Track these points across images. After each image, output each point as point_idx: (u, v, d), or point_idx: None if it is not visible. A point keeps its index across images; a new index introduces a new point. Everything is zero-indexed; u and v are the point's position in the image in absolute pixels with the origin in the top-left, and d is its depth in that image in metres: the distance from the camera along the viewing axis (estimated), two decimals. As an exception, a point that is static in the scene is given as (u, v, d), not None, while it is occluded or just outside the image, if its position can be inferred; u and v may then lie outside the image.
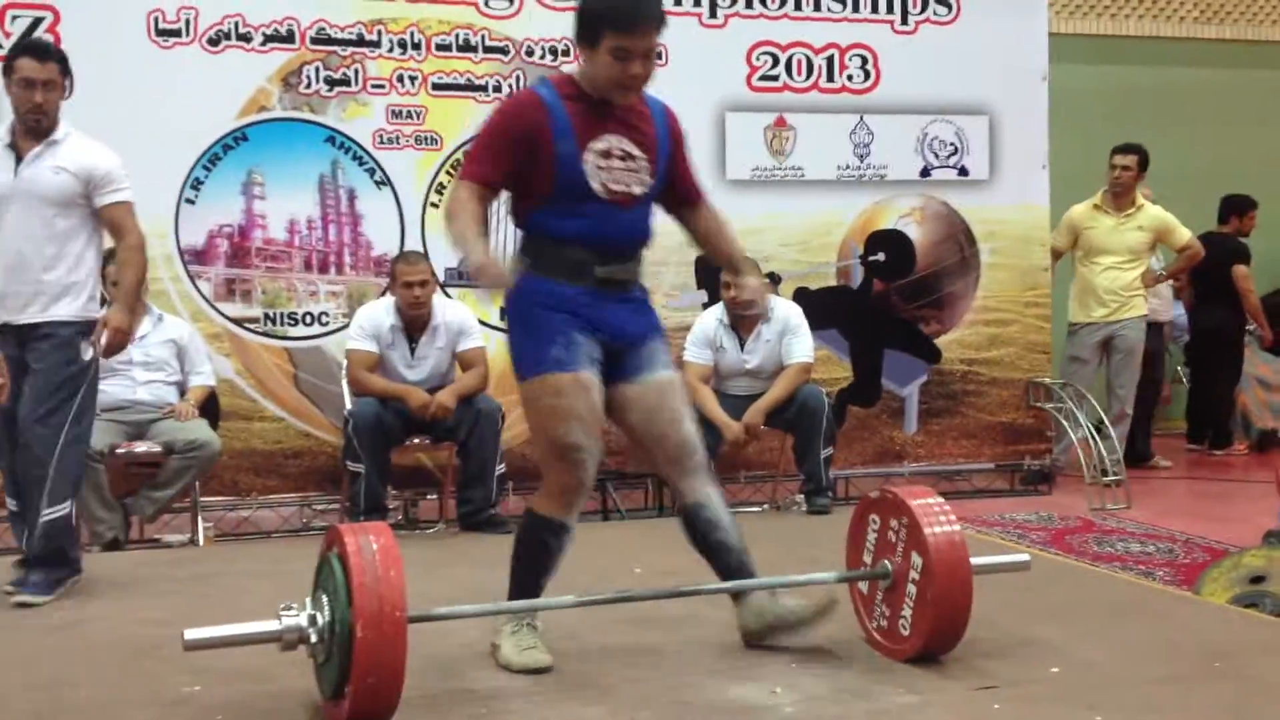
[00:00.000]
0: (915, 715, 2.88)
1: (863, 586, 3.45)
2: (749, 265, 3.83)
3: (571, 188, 3.20)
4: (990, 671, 3.18)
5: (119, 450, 5.33)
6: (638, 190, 3.28)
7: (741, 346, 5.88)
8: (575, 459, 3.19)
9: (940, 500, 3.29)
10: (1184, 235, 7.33)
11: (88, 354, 4.23)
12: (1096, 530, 5.78)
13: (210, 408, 5.71)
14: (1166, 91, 9.51)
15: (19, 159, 4.21)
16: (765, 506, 6.26)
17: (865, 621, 3.42)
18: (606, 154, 3.22)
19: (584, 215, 3.22)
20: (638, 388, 3.34)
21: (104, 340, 4.23)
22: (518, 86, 6.20)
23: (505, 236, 6.23)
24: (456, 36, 6.15)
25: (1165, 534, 5.68)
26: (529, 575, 3.29)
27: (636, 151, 3.27)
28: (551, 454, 3.22)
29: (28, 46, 4.40)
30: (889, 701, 2.97)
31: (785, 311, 5.99)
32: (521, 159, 3.20)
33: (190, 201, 5.88)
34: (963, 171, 6.86)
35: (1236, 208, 8.36)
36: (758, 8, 6.53)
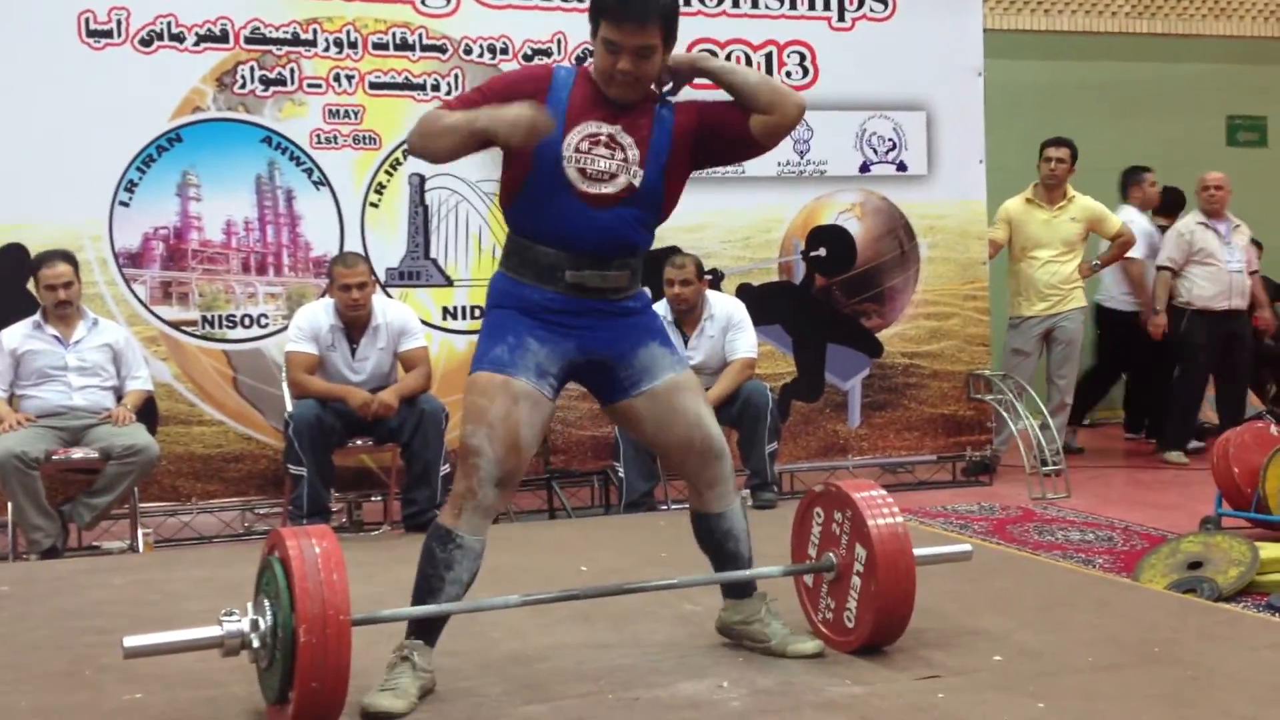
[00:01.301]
0: (861, 706, 2.90)
1: (808, 579, 3.46)
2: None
3: (549, 173, 3.03)
4: (934, 661, 3.21)
5: (55, 457, 5.25)
6: (622, 179, 3.07)
7: (685, 343, 5.89)
8: (470, 463, 3.01)
9: (883, 493, 3.31)
10: (1115, 223, 7.44)
11: None
12: (1037, 519, 5.84)
13: (148, 412, 5.65)
14: (1101, 86, 9.64)
15: None
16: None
17: (811, 614, 3.44)
18: (593, 138, 3.05)
19: (558, 210, 3.05)
20: (642, 400, 3.18)
21: None
22: (456, 85, 6.17)
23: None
24: (393, 35, 6.11)
25: (1105, 522, 5.75)
26: (419, 590, 3.05)
27: (626, 139, 3.08)
28: (459, 453, 3.10)
29: None
30: (835, 693, 2.99)
31: (728, 308, 6.01)
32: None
33: (124, 204, 5.80)
34: (901, 167, 6.91)
35: (1168, 207, 8.48)
36: (696, 5, 6.53)
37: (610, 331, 3.16)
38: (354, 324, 5.54)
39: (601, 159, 3.06)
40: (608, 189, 3.07)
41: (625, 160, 3.08)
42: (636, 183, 3.10)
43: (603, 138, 3.07)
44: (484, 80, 3.19)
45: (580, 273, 3.08)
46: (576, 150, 3.05)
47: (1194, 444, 7.80)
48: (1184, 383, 7.59)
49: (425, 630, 3.07)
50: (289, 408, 5.54)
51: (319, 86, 6.02)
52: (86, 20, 5.73)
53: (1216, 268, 7.38)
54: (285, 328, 5.76)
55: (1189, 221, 7.50)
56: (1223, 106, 10.13)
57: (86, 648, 3.56)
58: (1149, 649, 3.31)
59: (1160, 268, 7.51)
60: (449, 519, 3.05)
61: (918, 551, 3.24)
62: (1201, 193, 7.52)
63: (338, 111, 6.05)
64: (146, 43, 5.80)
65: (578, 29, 6.26)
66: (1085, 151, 7.45)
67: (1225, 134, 10.17)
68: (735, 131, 3.21)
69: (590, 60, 3.14)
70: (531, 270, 3.10)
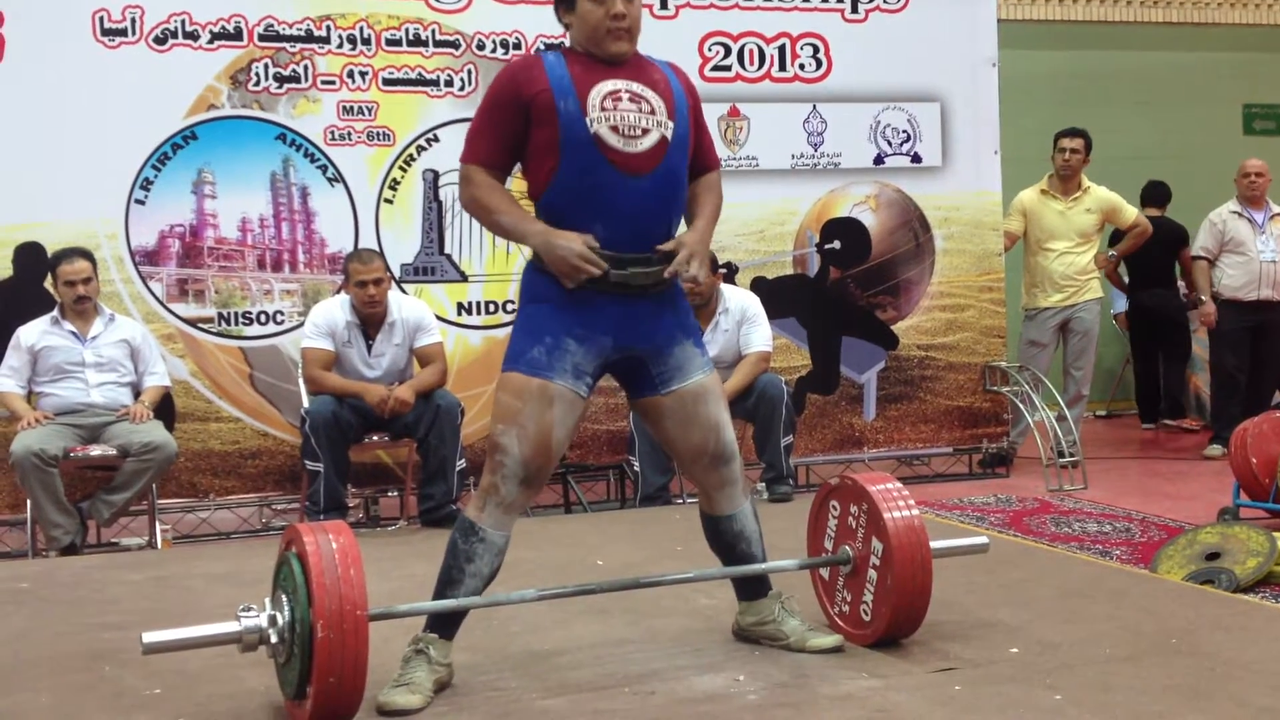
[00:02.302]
0: (877, 698, 2.89)
1: (824, 573, 3.46)
2: (701, 228, 3.23)
3: (580, 146, 2.96)
4: (951, 653, 3.20)
5: (73, 454, 5.27)
6: (655, 133, 3.00)
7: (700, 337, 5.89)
8: (496, 460, 3.01)
9: (899, 485, 3.31)
10: (1131, 214, 7.41)
11: None
12: (1054, 511, 5.83)
13: (165, 409, 5.67)
14: (1115, 75, 9.62)
15: None
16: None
17: (827, 607, 3.44)
18: (614, 96, 2.99)
19: (595, 187, 2.97)
20: (669, 400, 3.15)
21: None
22: (469, 81, 6.18)
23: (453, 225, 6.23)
24: (406, 31, 6.12)
25: (1122, 514, 5.74)
26: (441, 581, 3.05)
27: (649, 93, 3.03)
28: (487, 448, 3.09)
29: None
30: (852, 685, 2.98)
31: (743, 301, 6.01)
32: (521, 126, 3.01)
33: (140, 202, 5.82)
34: (915, 158, 6.90)
35: (1157, 198, 8.46)
36: (709, -2, 6.54)
37: (648, 323, 3.12)
38: (370, 320, 5.55)
39: (629, 113, 3.00)
40: (643, 144, 3.01)
41: (653, 111, 3.04)
42: (669, 135, 3.05)
43: (623, 93, 3.02)
44: (486, 94, 3.12)
45: (624, 271, 3.02)
46: (602, 109, 2.99)
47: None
48: (1213, 373, 7.55)
49: (443, 624, 3.07)
50: (305, 404, 5.56)
51: (333, 83, 6.03)
52: (101, 19, 5.75)
53: (1247, 257, 7.29)
54: (301, 324, 5.78)
55: (1222, 210, 7.42)
56: (1239, 95, 10.09)
57: (105, 643, 3.58)
58: (1166, 640, 3.30)
59: (1195, 257, 7.47)
60: (473, 512, 3.05)
61: (934, 544, 3.23)
62: (1241, 180, 7.41)
63: (351, 108, 6.06)
64: (161, 41, 5.82)
65: (590, 23, 6.28)
66: (1100, 142, 7.43)
67: (1242, 122, 10.13)
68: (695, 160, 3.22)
69: (564, 44, 3.09)
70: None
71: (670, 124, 3.06)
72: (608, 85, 3.01)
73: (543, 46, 6.24)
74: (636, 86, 3.04)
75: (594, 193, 3.00)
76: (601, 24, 3.01)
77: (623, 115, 2.99)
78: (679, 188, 3.13)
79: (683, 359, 3.18)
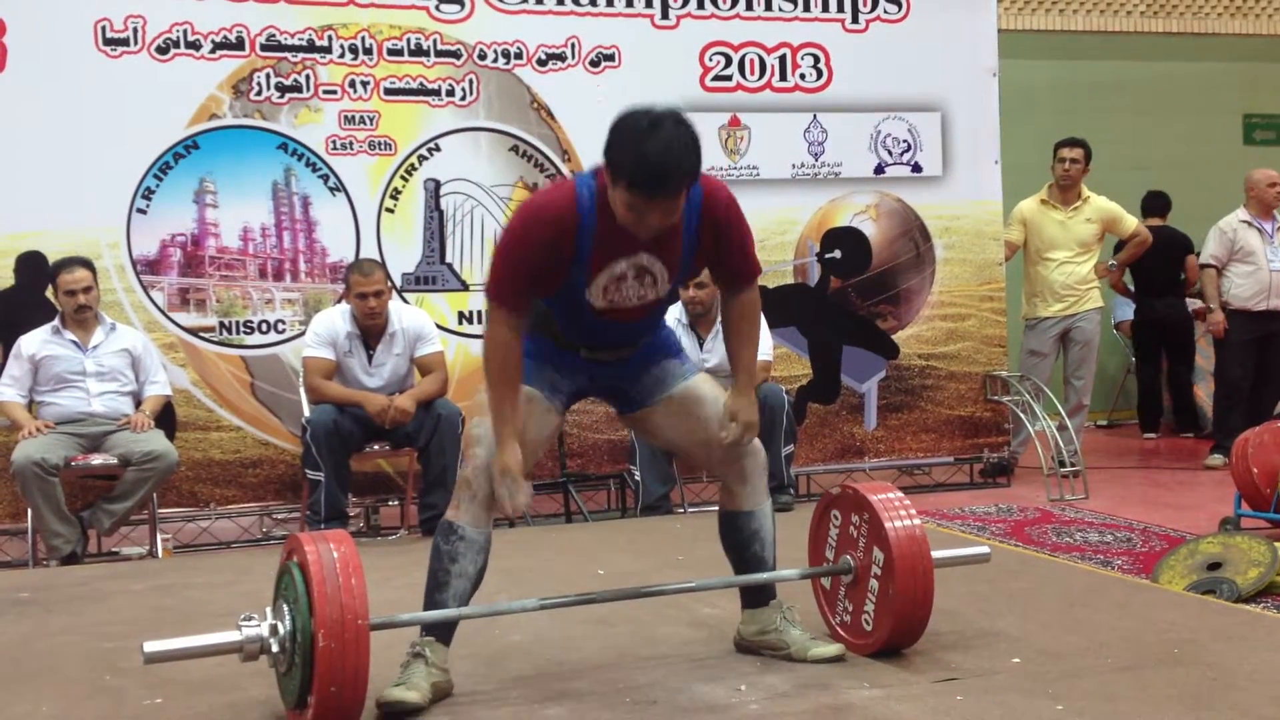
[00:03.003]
0: (879, 708, 2.89)
1: (826, 582, 3.46)
2: (746, 388, 3.26)
3: (574, 303, 3.04)
4: (953, 663, 3.20)
5: (74, 463, 5.27)
6: (650, 297, 3.08)
7: (701, 346, 5.89)
8: (471, 452, 3.08)
9: (900, 495, 3.31)
10: (1131, 223, 7.41)
11: None
12: (1055, 521, 5.83)
13: (166, 418, 5.67)
14: (1116, 85, 9.63)
15: None
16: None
17: (829, 617, 3.44)
18: (621, 279, 3.01)
19: (578, 319, 3.08)
20: (659, 408, 3.23)
21: None
22: (471, 90, 6.18)
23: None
24: (408, 41, 6.13)
25: (1123, 523, 5.73)
26: (429, 586, 3.09)
27: (656, 267, 3.03)
28: (464, 444, 3.13)
29: None
30: (853, 695, 2.98)
31: (743, 310, 6.00)
32: (548, 261, 2.96)
33: (142, 211, 5.83)
34: (916, 168, 6.90)
35: (1158, 207, 8.47)
36: (709, 8, 6.54)
37: (624, 365, 3.22)
38: (371, 330, 5.55)
39: (630, 289, 3.05)
40: (634, 304, 3.08)
41: (655, 283, 3.07)
42: (662, 295, 3.11)
43: (629, 274, 3.03)
44: (513, 222, 3.05)
45: (595, 353, 3.17)
46: (604, 290, 3.02)
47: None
48: (1217, 382, 7.56)
49: (438, 627, 3.09)
50: (306, 413, 5.56)
51: (334, 93, 6.04)
52: (103, 28, 5.76)
53: (1256, 267, 7.28)
54: (302, 333, 5.78)
55: (1232, 219, 7.41)
56: (1239, 105, 10.10)
57: (106, 653, 3.58)
58: (1168, 650, 3.30)
59: (1204, 265, 7.46)
60: (451, 512, 3.10)
61: (935, 554, 3.23)
62: (1268, 190, 7.35)
63: (353, 117, 6.07)
64: (163, 50, 5.83)
65: (591, 33, 6.29)
66: (1100, 151, 7.43)
67: (1242, 132, 10.14)
68: (719, 269, 3.21)
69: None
70: (549, 340, 3.15)
71: (667, 287, 3.10)
72: (619, 267, 3.00)
73: (544, 56, 6.25)
74: (646, 260, 3.01)
75: (579, 326, 3.11)
76: (628, 223, 2.92)
77: (623, 293, 3.04)
78: (659, 313, 3.21)
79: (661, 374, 3.24)
